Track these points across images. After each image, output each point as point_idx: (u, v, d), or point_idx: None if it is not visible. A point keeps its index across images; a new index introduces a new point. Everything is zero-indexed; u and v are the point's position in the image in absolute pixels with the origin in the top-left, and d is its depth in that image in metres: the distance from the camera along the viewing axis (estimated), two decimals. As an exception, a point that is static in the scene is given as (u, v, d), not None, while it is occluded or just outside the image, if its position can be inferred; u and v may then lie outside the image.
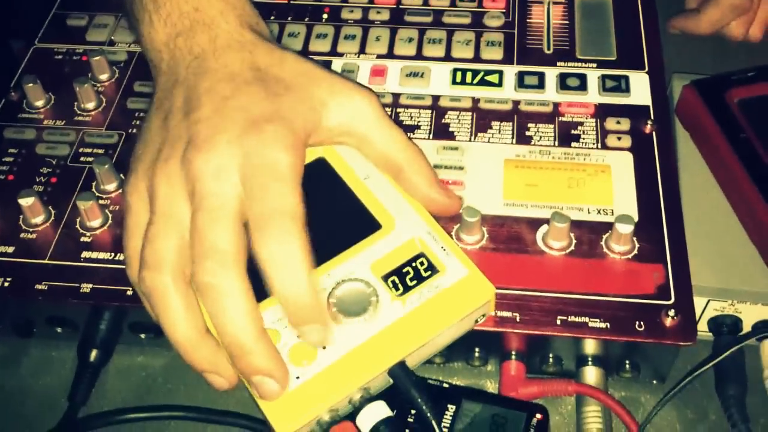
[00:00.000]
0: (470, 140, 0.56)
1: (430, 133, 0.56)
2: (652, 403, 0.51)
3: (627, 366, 0.51)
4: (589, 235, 0.51)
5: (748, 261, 0.51)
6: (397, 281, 0.45)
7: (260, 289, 0.45)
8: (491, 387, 0.52)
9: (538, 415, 0.47)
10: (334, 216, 0.48)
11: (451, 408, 0.48)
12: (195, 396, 0.51)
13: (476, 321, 0.46)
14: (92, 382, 0.50)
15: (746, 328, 0.51)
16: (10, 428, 0.51)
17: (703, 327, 0.52)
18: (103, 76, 0.61)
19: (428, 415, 0.43)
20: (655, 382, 0.52)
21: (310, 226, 0.48)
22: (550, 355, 0.51)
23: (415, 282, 0.45)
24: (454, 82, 0.59)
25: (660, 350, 0.48)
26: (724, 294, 0.50)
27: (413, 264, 0.46)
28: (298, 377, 0.43)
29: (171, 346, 0.43)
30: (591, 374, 0.50)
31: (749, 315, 0.51)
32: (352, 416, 0.43)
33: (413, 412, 0.46)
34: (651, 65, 0.60)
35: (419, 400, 0.43)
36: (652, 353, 0.50)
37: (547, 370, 0.51)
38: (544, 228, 0.51)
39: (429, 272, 0.45)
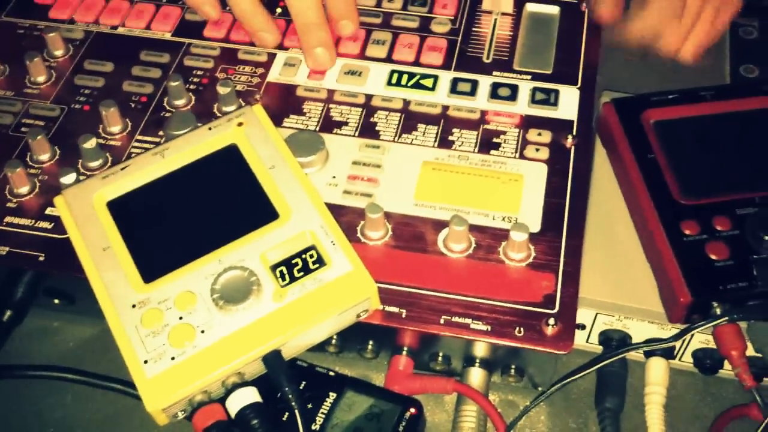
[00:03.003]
0: (393, 140, 0.58)
1: (356, 131, 0.58)
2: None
3: (512, 371, 0.52)
4: (490, 240, 0.52)
5: (640, 279, 0.52)
6: (284, 272, 0.47)
7: (153, 267, 0.48)
8: (380, 379, 0.54)
9: (412, 410, 0.49)
10: (237, 202, 0.50)
11: (333, 396, 0.50)
12: (99, 364, 0.53)
13: (358, 315, 0.48)
14: (2, 340, 0.53)
15: (636, 344, 0.53)
16: None
17: (595, 340, 0.54)
18: (58, 52, 0.63)
19: (294, 404, 0.45)
20: (540, 388, 0.53)
21: (213, 209, 0.50)
22: (440, 354, 0.52)
23: (301, 274, 0.47)
24: (389, 83, 0.61)
25: (542, 358, 0.50)
26: (610, 308, 0.51)
27: (303, 256, 0.48)
28: (173, 358, 0.45)
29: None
30: (474, 375, 0.51)
31: (638, 332, 0.52)
32: (222, 400, 0.45)
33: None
34: (584, 81, 0.61)
35: (287, 389, 0.45)
36: (535, 360, 0.51)
37: (435, 368, 0.53)
38: (446, 230, 0.53)
39: (316, 265, 0.47)
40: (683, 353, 0.53)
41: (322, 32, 0.61)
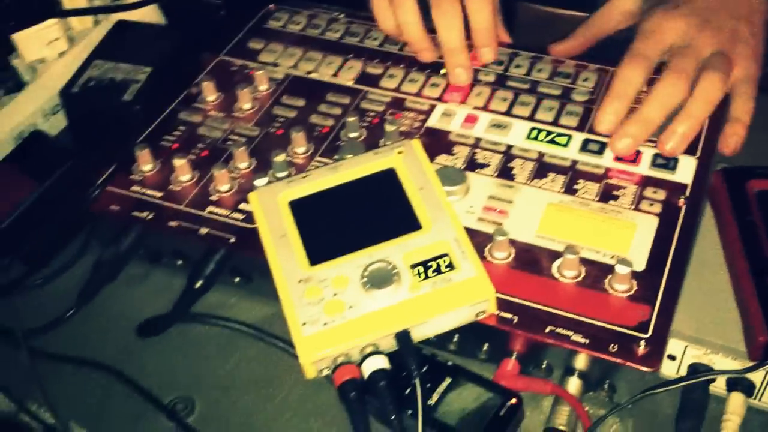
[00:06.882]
0: (525, 183, 0.68)
1: (495, 172, 0.69)
2: (618, 422, 0.60)
3: (606, 386, 0.60)
4: (598, 272, 0.61)
5: (729, 321, 0.59)
6: (421, 270, 0.58)
7: (319, 254, 0.59)
8: (490, 377, 0.62)
9: (513, 400, 0.58)
10: (389, 212, 0.62)
11: (448, 380, 0.59)
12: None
13: (477, 315, 0.58)
14: (191, 303, 0.66)
15: (720, 379, 0.59)
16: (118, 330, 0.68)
17: (685, 372, 0.61)
18: (262, 87, 0.78)
19: (413, 368, 0.55)
20: (630, 406, 0.61)
21: (370, 216, 0.62)
22: (544, 362, 0.61)
23: (434, 273, 0.58)
24: (528, 137, 0.72)
25: (632, 375, 0.58)
26: (698, 342, 0.58)
27: (437, 260, 0.58)
28: (325, 323, 0.56)
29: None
30: (571, 384, 0.60)
31: (722, 367, 0.59)
32: (359, 364, 0.56)
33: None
34: (702, 152, 0.69)
35: (411, 359, 0.55)
36: (626, 377, 0.59)
37: (539, 374, 0.61)
38: (560, 259, 0.62)
39: (447, 269, 0.58)
40: (762, 394, 0.59)
41: (463, 56, 0.76)
